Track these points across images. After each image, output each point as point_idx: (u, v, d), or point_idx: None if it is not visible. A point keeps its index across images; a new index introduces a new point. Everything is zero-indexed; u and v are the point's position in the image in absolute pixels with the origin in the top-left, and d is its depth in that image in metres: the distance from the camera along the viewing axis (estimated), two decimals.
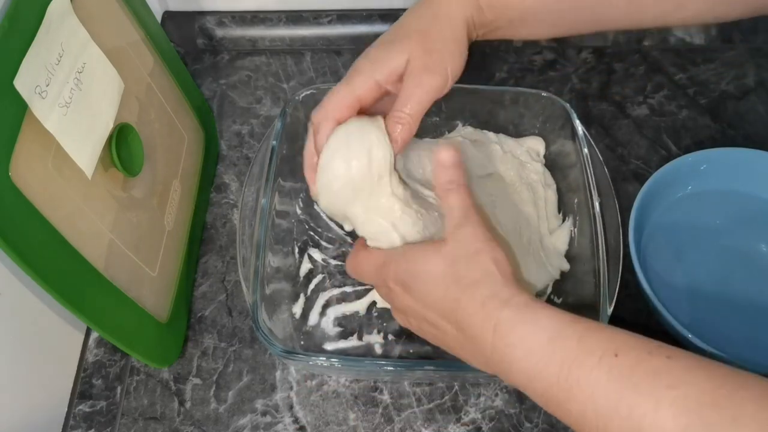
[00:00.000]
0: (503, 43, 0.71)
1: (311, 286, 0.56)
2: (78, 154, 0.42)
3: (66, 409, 0.52)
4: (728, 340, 0.50)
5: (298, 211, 0.58)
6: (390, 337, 0.54)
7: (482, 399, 0.51)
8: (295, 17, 0.72)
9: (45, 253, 0.39)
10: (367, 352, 0.53)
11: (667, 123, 0.66)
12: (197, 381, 0.53)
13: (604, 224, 0.49)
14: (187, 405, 0.52)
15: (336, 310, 0.55)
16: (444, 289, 0.39)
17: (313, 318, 0.54)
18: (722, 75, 0.69)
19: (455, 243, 0.40)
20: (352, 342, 0.53)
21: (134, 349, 0.47)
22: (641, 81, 0.69)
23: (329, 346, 0.53)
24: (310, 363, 0.47)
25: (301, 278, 0.56)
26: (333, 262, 0.57)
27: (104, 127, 0.45)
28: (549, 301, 0.54)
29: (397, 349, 0.53)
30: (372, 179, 0.43)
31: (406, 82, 0.44)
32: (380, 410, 0.51)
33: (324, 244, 0.58)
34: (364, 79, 0.44)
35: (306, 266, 0.57)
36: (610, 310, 0.46)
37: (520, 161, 0.58)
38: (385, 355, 0.53)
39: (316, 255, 0.57)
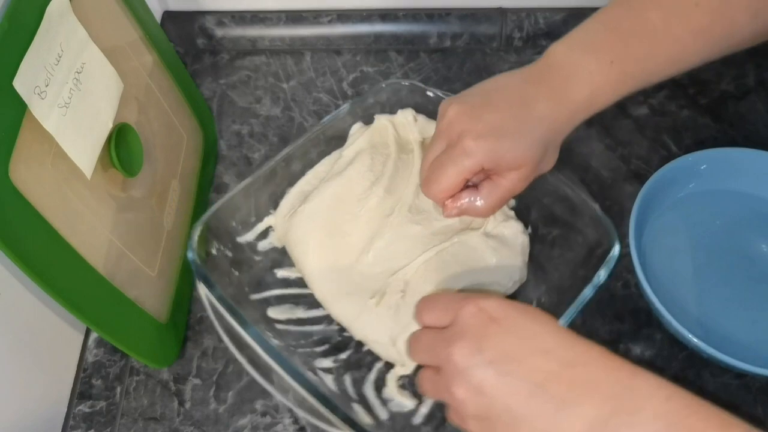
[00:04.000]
0: (503, 43, 0.71)
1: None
2: (77, 154, 0.42)
3: (66, 409, 0.52)
4: (729, 340, 0.50)
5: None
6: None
7: None
8: (295, 17, 0.72)
9: (44, 254, 0.39)
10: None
11: (668, 123, 0.66)
12: (197, 381, 0.53)
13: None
14: (187, 405, 0.52)
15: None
16: (549, 323, 0.35)
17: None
18: (722, 75, 0.69)
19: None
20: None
21: (133, 350, 0.47)
22: None
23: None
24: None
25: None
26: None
27: (103, 127, 0.45)
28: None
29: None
30: None
31: (504, 182, 0.44)
32: None
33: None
34: (474, 166, 0.43)
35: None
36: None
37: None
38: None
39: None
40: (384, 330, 0.48)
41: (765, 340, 0.51)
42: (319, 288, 0.51)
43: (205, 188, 0.62)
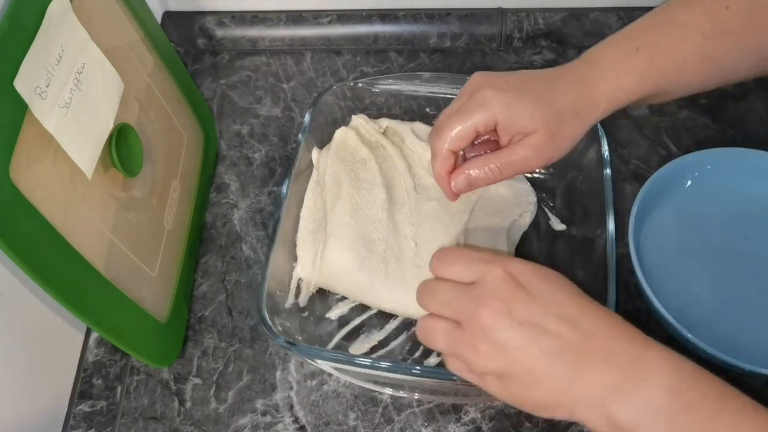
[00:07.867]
0: (503, 43, 0.71)
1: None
2: (78, 154, 0.42)
3: (66, 409, 0.52)
4: (728, 339, 0.50)
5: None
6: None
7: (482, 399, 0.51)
8: (295, 17, 0.72)
9: (45, 254, 0.39)
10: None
11: (667, 123, 0.66)
12: (197, 381, 0.53)
13: None
14: (187, 405, 0.52)
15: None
16: (571, 291, 0.38)
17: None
18: None
19: None
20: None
21: (134, 349, 0.47)
22: None
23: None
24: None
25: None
26: None
27: (104, 127, 0.45)
28: None
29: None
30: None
31: (518, 149, 0.44)
32: (380, 410, 0.51)
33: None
34: (488, 117, 0.44)
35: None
36: None
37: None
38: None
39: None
40: None
41: (765, 340, 0.51)
42: (387, 300, 0.52)
43: (206, 188, 0.62)
